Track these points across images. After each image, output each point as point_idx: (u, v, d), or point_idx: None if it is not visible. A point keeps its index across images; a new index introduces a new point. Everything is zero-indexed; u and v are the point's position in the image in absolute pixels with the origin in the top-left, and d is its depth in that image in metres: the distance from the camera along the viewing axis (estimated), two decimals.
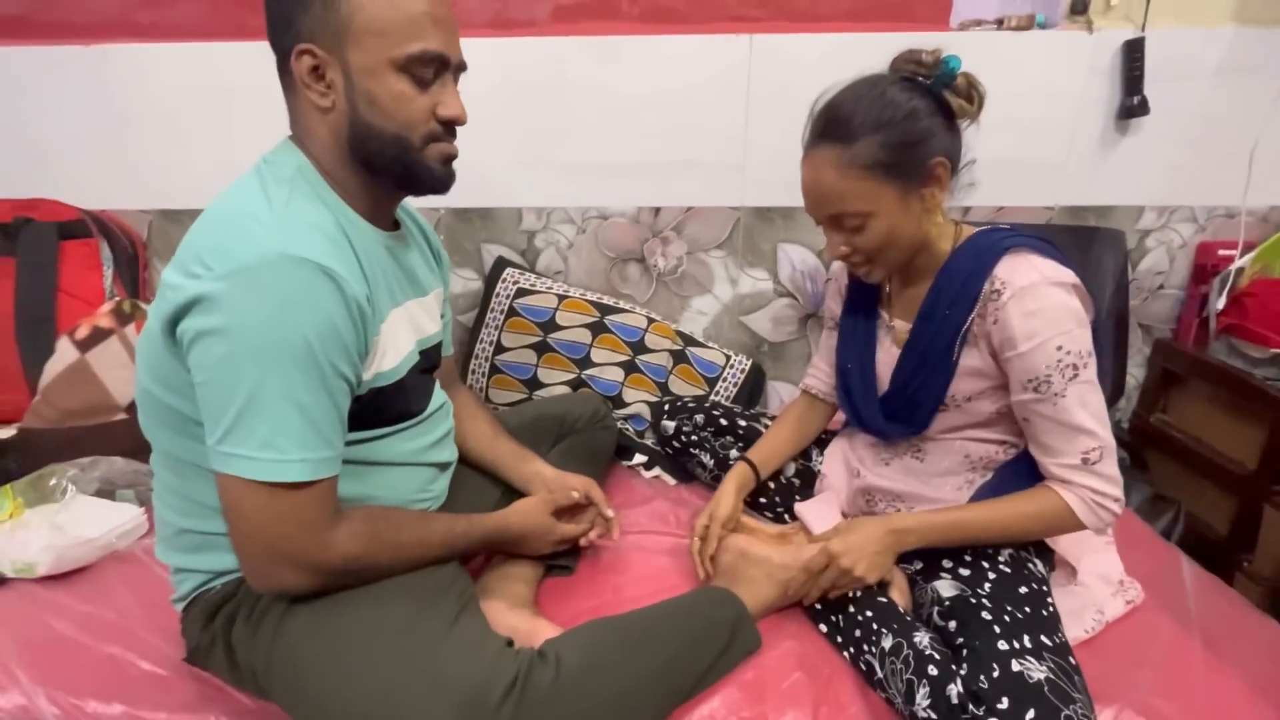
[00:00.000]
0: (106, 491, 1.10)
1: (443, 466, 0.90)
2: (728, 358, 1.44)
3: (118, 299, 1.27)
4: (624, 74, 1.33)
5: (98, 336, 1.20)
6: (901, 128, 0.77)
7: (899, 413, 0.93)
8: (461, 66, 0.74)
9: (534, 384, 1.39)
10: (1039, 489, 0.83)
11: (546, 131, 1.37)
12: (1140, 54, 1.26)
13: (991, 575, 0.84)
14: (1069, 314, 0.77)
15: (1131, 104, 1.28)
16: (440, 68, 0.70)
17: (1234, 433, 1.27)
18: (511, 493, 0.99)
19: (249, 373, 0.61)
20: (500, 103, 1.35)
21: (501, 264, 1.44)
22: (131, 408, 1.19)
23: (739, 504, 1.00)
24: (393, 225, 0.81)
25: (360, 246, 0.71)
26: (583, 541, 0.95)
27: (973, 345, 0.84)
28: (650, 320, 1.42)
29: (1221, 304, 1.28)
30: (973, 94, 0.79)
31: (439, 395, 0.91)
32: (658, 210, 1.43)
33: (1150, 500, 1.29)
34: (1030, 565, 0.86)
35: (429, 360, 0.86)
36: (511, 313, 1.40)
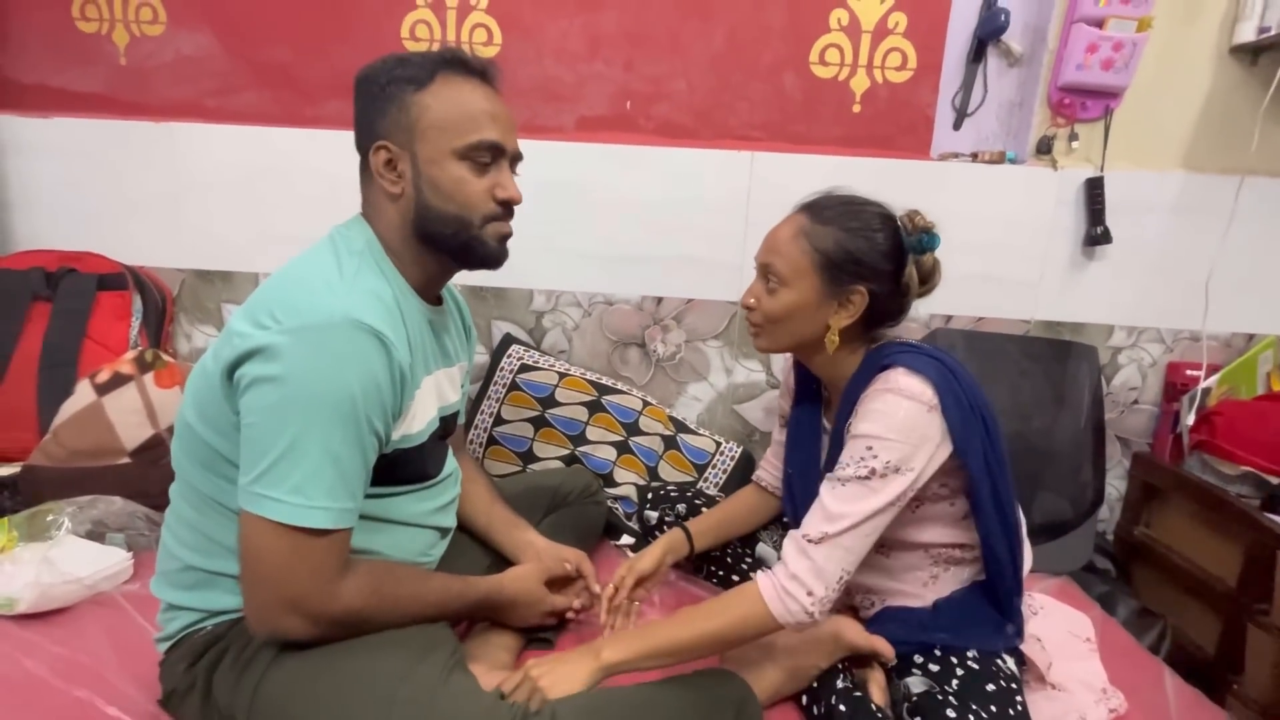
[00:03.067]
0: (97, 534, 1.11)
1: (445, 531, 0.93)
2: (718, 445, 1.48)
3: (140, 349, 1.33)
4: (637, 178, 1.47)
5: (117, 382, 1.25)
6: (859, 245, 0.84)
7: None
8: (518, 156, 0.84)
9: (529, 457, 1.43)
10: (743, 588, 0.82)
11: (563, 222, 1.49)
12: (1100, 191, 1.40)
13: (960, 671, 0.84)
14: (894, 426, 0.79)
15: (1095, 233, 1.41)
16: (497, 155, 0.80)
17: (1214, 548, 1.28)
18: (501, 561, 1.01)
19: (295, 421, 0.66)
20: (525, 195, 1.47)
21: (509, 340, 1.51)
22: (136, 453, 1.22)
23: (663, 564, 1.02)
24: (437, 300, 0.89)
25: (409, 317, 0.79)
26: (568, 614, 0.96)
27: None
28: (646, 403, 1.48)
29: (1191, 420, 1.33)
30: (931, 276, 0.87)
31: (451, 462, 0.95)
32: (660, 300, 1.53)
33: (1136, 614, 1.29)
34: (999, 662, 0.86)
35: (446, 427, 0.91)
36: (514, 387, 1.45)
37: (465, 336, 1.01)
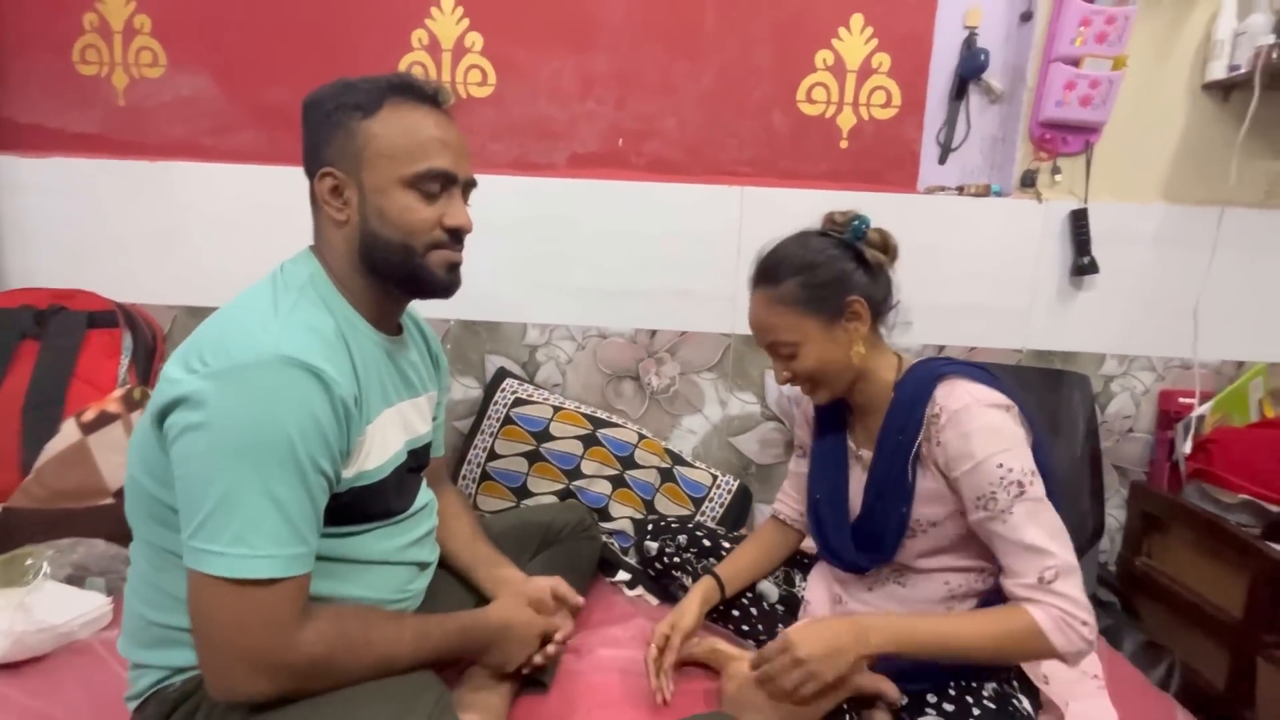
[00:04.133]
0: (78, 578, 1.08)
1: (422, 566, 0.89)
2: (715, 478, 1.47)
3: (128, 386, 1.32)
4: (628, 213, 1.49)
5: (103, 420, 1.23)
6: (818, 272, 0.88)
7: (867, 540, 0.95)
8: (470, 183, 0.82)
9: (523, 492, 1.41)
10: (1014, 607, 0.81)
11: (556, 257, 1.50)
12: (1085, 222, 1.42)
13: (976, 711, 0.82)
14: (1003, 434, 0.82)
15: (1082, 263, 1.43)
16: (447, 183, 0.78)
17: (1218, 578, 1.26)
18: (486, 602, 0.98)
19: (227, 468, 0.63)
20: (517, 231, 1.49)
21: (502, 374, 1.51)
22: (120, 493, 1.20)
23: (702, 617, 1.00)
24: (395, 330, 0.87)
25: (357, 349, 0.76)
26: (558, 636, 0.92)
27: (925, 468, 0.88)
28: (641, 436, 1.47)
29: (1188, 448, 1.33)
30: (886, 245, 0.91)
31: (425, 494, 0.92)
32: (654, 332, 1.53)
33: (1143, 648, 1.27)
34: (1015, 702, 0.84)
35: (417, 460, 0.88)
36: (507, 421, 1.44)
37: (433, 365, 0.98)
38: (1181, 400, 1.45)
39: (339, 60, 1.46)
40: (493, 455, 1.43)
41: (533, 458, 1.42)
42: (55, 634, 0.95)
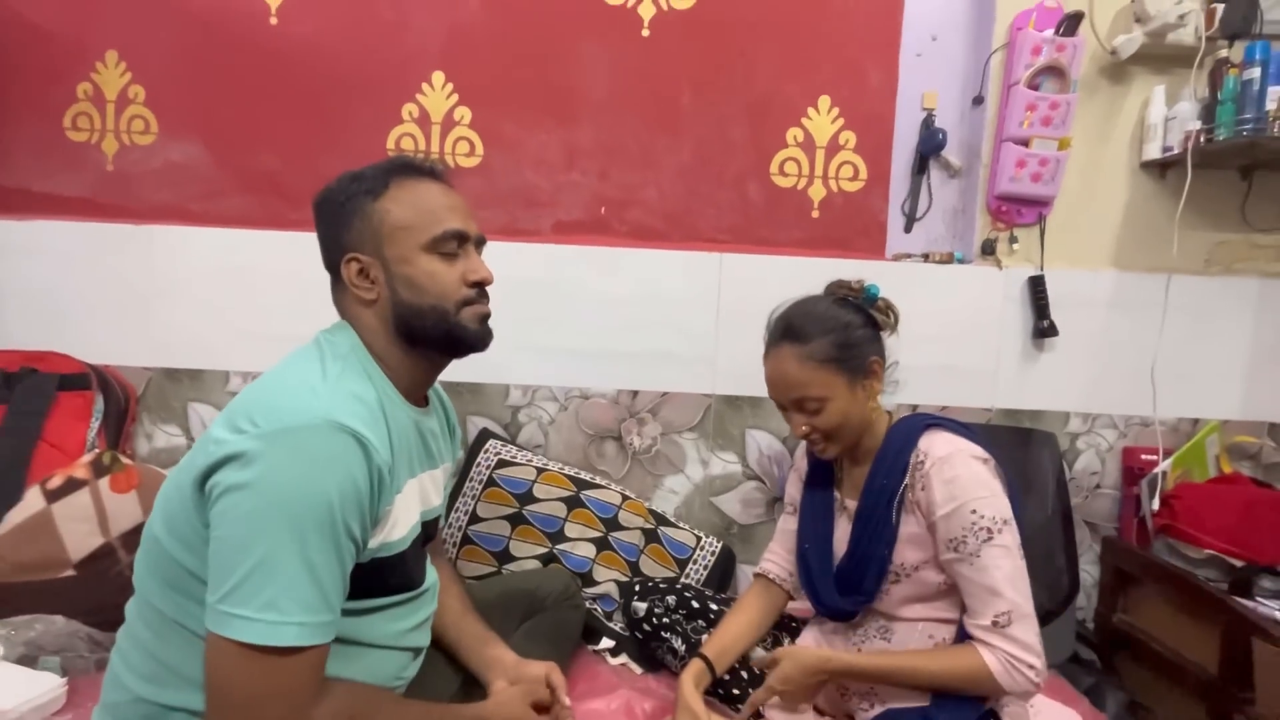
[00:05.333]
0: (30, 657, 1.02)
1: (418, 651, 0.88)
2: (698, 539, 1.46)
3: (98, 451, 1.28)
4: (611, 277, 1.53)
5: (69, 488, 1.19)
6: (844, 333, 0.95)
7: (850, 582, 0.99)
8: (481, 240, 0.88)
9: (505, 556, 1.38)
10: (967, 647, 0.87)
11: (540, 320, 1.53)
12: (1043, 288, 1.50)
13: None
14: (982, 482, 0.89)
15: (1043, 326, 1.50)
16: (462, 241, 0.84)
17: (1192, 634, 1.28)
18: (471, 680, 0.96)
19: (269, 531, 0.63)
20: (503, 294, 1.51)
21: (485, 435, 1.50)
22: (83, 564, 1.15)
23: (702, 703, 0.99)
24: (423, 401, 0.89)
25: (393, 420, 0.78)
26: None
27: (909, 512, 0.94)
28: (625, 497, 1.46)
29: (1155, 505, 1.38)
30: (889, 312, 1.01)
31: (431, 573, 0.92)
32: (635, 393, 1.55)
33: (1126, 709, 1.27)
34: None
35: (428, 532, 0.89)
36: (490, 483, 1.43)
37: (450, 436, 1.00)
38: (1144, 457, 1.50)
39: (331, 131, 1.51)
40: (475, 518, 1.41)
41: (516, 520, 1.40)
42: None
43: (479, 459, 1.46)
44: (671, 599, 1.18)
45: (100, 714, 0.73)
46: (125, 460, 1.26)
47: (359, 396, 0.74)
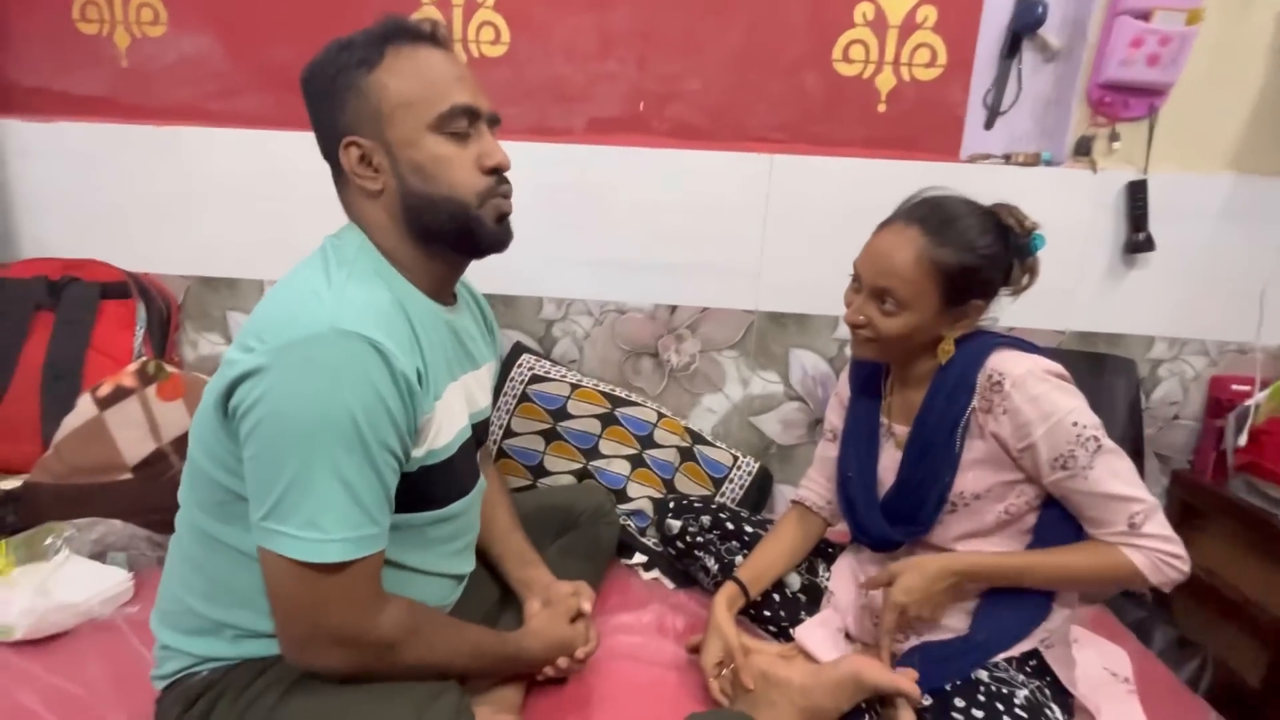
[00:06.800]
0: (99, 554, 1.09)
1: (460, 579, 0.89)
2: (735, 459, 1.43)
3: (144, 359, 1.31)
4: (649, 182, 1.41)
5: (118, 395, 1.23)
6: (980, 260, 0.83)
7: (901, 513, 0.93)
8: (494, 119, 0.76)
9: (540, 471, 1.38)
10: (1110, 547, 0.83)
11: (573, 228, 1.44)
12: (1143, 195, 1.31)
13: (1006, 719, 0.79)
14: (1070, 394, 0.83)
15: (1138, 239, 1.33)
16: (473, 119, 0.73)
17: (1261, 575, 1.21)
18: (509, 593, 0.98)
19: (296, 449, 0.62)
20: (533, 200, 1.42)
21: (519, 349, 1.47)
22: (139, 468, 1.20)
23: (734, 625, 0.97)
24: (452, 299, 0.83)
25: (420, 323, 0.72)
26: (579, 654, 0.91)
27: (976, 437, 0.87)
28: (660, 415, 1.43)
29: (1243, 440, 1.26)
30: (1033, 273, 0.88)
31: (480, 480, 0.89)
32: (674, 308, 1.47)
33: (1175, 644, 1.22)
34: (1047, 711, 0.81)
35: (479, 434, 0.87)
36: (524, 398, 1.41)
37: (490, 334, 0.95)
38: (1235, 387, 1.36)
39: (346, 17, 1.36)
40: (509, 433, 1.40)
41: (550, 436, 1.39)
42: (75, 611, 0.95)
43: (513, 374, 1.43)
44: (706, 519, 1.16)
45: (156, 619, 0.77)
46: (170, 369, 1.28)
47: (370, 300, 0.68)
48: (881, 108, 1.39)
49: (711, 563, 1.14)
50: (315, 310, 0.64)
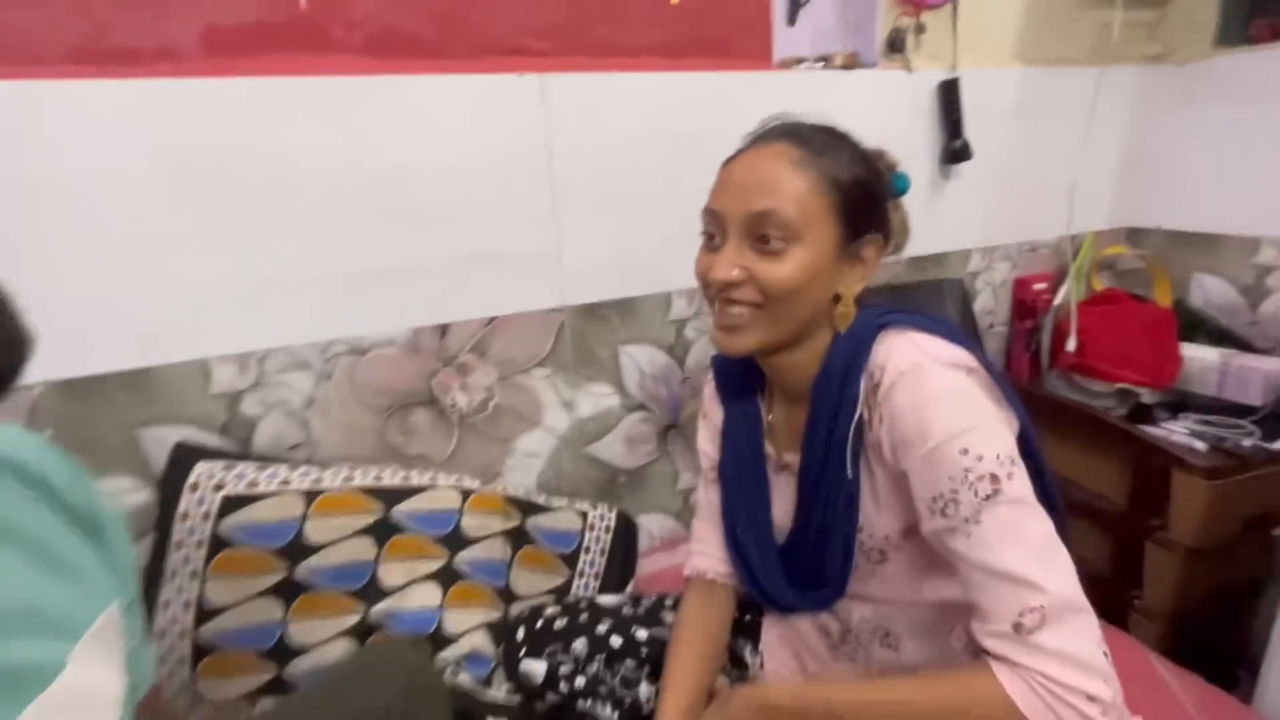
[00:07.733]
0: None
1: None
2: (584, 516, 1.03)
3: None
4: (348, 135, 0.85)
5: None
6: (871, 174, 0.63)
7: (805, 570, 0.71)
8: None
9: (282, 654, 0.82)
10: (978, 670, 0.54)
11: (234, 233, 0.82)
12: (956, 96, 1.18)
13: None
14: (968, 405, 0.57)
15: (955, 148, 1.20)
16: None
17: (1097, 469, 1.25)
18: None
19: None
20: (133, 192, 0.77)
21: (185, 457, 0.84)
22: None
23: None
24: None
25: None
26: None
27: (875, 459, 0.63)
28: (465, 493, 0.95)
29: (1072, 345, 1.25)
30: (905, 225, 0.69)
31: None
32: (444, 328, 0.97)
33: None
34: None
35: None
36: (218, 545, 0.81)
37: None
38: (1035, 287, 1.37)
39: None
40: (204, 612, 0.80)
41: (288, 592, 0.82)
42: None
43: (184, 506, 0.81)
44: (580, 643, 0.80)
45: None
46: None
47: None
48: (674, 1, 1.01)
49: (608, 711, 0.78)
50: None
